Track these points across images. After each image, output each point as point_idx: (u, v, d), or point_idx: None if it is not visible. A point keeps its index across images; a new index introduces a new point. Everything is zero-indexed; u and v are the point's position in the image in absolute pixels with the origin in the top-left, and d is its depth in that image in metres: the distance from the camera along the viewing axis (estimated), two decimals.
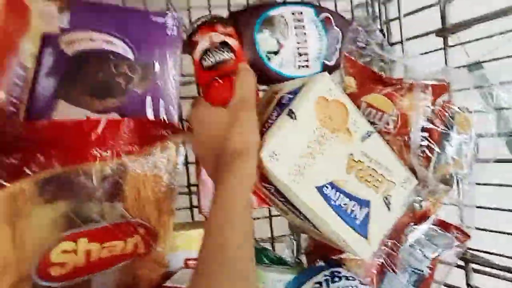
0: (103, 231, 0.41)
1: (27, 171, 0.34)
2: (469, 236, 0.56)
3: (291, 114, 0.46)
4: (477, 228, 0.62)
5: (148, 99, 0.49)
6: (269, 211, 0.67)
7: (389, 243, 0.56)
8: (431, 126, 0.52)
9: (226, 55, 0.50)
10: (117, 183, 0.44)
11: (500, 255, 0.61)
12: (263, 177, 0.48)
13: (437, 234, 0.55)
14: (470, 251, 0.63)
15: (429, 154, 0.53)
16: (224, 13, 0.61)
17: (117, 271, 0.45)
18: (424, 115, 0.52)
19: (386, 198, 0.52)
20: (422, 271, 0.54)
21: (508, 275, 0.58)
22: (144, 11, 0.51)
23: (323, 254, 0.60)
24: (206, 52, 0.51)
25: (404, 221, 0.56)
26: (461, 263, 0.64)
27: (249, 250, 0.40)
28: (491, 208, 0.60)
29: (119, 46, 0.49)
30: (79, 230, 0.39)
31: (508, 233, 0.59)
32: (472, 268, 0.63)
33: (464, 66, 0.63)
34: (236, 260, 0.38)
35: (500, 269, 0.59)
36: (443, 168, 0.52)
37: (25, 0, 0.42)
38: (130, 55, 0.49)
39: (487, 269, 0.62)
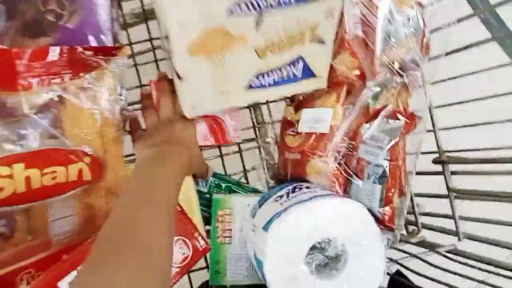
0: (41, 156, 0.41)
1: None
2: (419, 117, 0.54)
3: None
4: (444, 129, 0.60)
5: (80, 32, 0.48)
6: (239, 146, 0.66)
7: (346, 146, 0.54)
8: (365, 10, 0.50)
9: None
10: (55, 112, 0.44)
11: (474, 150, 0.58)
12: None
13: (388, 125, 0.53)
14: (446, 153, 0.61)
15: (372, 38, 0.50)
16: None
17: (71, 201, 0.45)
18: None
19: (316, 38, 0.52)
20: (382, 165, 0.52)
21: (486, 166, 0.56)
22: None
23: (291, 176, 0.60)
24: None
25: (359, 121, 0.54)
26: (439, 169, 0.62)
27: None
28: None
29: None
30: (13, 153, 0.39)
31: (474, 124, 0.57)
32: (450, 171, 0.61)
33: None
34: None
35: (476, 162, 0.56)
36: (389, 53, 0.50)
37: None
38: None
39: (465, 169, 0.60)
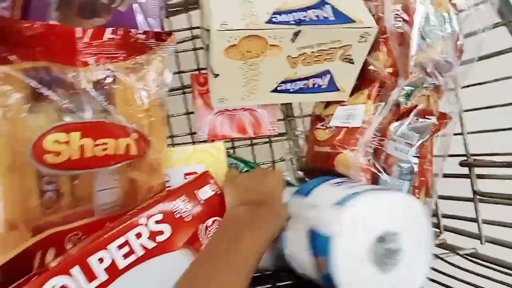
0: (95, 127, 0.44)
1: (12, 58, 0.38)
2: (449, 117, 0.55)
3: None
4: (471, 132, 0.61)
5: (130, 16, 0.51)
6: (269, 137, 0.68)
7: (376, 142, 0.56)
8: (406, 5, 0.51)
9: None
10: (108, 89, 0.46)
11: (501, 154, 0.59)
12: None
13: (418, 123, 0.54)
14: (473, 157, 0.62)
15: (407, 38, 0.52)
16: None
17: (115, 173, 0.48)
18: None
19: (346, 58, 0.54)
20: (410, 162, 0.54)
21: None
22: None
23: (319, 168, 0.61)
24: None
25: (390, 119, 0.56)
26: (465, 171, 0.63)
27: None
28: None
29: None
30: (71, 121, 0.42)
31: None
32: (476, 174, 0.62)
33: None
34: None
35: (503, 166, 0.57)
36: (424, 53, 0.51)
37: None
38: None
39: (491, 172, 0.61)
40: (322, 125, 0.63)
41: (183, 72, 0.66)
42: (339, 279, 0.42)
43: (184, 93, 0.66)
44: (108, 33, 0.45)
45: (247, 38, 0.48)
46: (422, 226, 0.48)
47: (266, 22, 0.48)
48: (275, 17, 0.48)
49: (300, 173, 0.67)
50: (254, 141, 0.68)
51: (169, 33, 0.50)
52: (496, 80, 0.59)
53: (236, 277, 0.38)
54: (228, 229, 0.44)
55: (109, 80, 0.46)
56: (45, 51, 0.41)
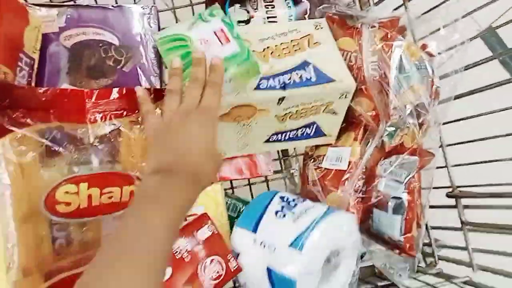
0: (101, 178, 0.48)
1: (29, 121, 0.43)
2: (433, 154, 0.59)
3: None
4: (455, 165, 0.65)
5: (133, 75, 0.57)
6: (266, 176, 0.72)
7: (365, 180, 0.60)
8: (381, 56, 0.56)
9: None
10: (113, 142, 0.51)
11: (487, 185, 0.62)
12: None
13: (404, 160, 0.58)
14: (459, 189, 0.65)
15: (385, 85, 0.57)
16: None
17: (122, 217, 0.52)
18: (372, 47, 0.56)
19: (330, 111, 0.59)
20: (401, 198, 0.57)
21: (497, 201, 0.59)
22: (123, 6, 0.61)
23: None
24: None
25: (376, 158, 0.60)
26: (452, 202, 0.66)
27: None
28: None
29: (107, 36, 0.58)
30: (80, 174, 0.47)
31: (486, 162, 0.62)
32: (463, 205, 0.65)
33: None
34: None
35: (488, 197, 0.60)
36: (401, 98, 0.56)
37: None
38: (115, 41, 0.58)
39: (478, 202, 0.64)
40: (314, 165, 0.67)
41: None
42: None
43: None
44: (114, 93, 0.51)
45: (237, 107, 0.54)
46: (355, 237, 0.54)
47: (254, 89, 0.53)
48: (262, 83, 0.54)
49: None
50: (252, 180, 0.72)
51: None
52: (473, 116, 0.64)
53: (136, 266, 0.33)
54: (135, 209, 0.37)
55: (114, 133, 0.51)
56: (58, 113, 0.46)
